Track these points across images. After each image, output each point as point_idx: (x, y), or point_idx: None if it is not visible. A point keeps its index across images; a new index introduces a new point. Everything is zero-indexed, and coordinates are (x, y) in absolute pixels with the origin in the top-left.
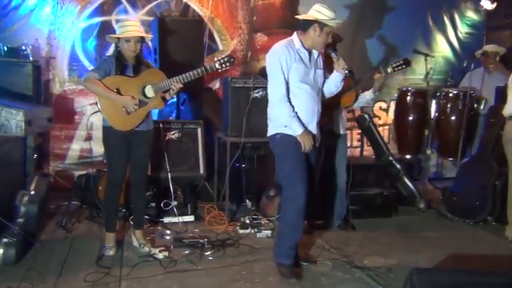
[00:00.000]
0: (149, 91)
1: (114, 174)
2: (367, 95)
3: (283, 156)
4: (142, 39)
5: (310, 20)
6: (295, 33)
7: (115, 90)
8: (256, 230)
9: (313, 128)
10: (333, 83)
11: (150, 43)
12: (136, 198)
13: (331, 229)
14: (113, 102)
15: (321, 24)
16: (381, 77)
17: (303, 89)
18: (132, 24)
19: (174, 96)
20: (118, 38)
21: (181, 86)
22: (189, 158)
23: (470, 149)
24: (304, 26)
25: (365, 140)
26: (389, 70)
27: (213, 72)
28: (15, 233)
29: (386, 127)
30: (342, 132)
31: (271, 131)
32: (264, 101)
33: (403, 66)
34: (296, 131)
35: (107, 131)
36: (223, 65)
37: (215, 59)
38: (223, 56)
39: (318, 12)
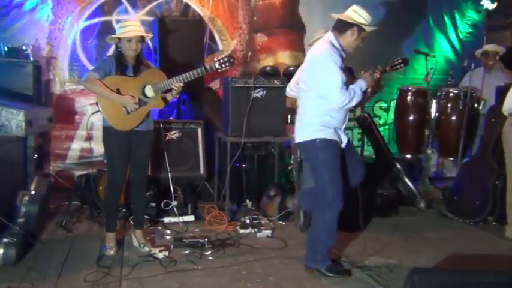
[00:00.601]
0: (149, 91)
1: (115, 174)
2: None
3: (326, 161)
4: (142, 39)
5: (350, 22)
6: (331, 34)
7: (115, 90)
8: (256, 229)
9: (342, 133)
10: None
11: (150, 43)
12: (136, 198)
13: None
14: (113, 102)
15: (360, 29)
16: (378, 76)
17: None
18: (132, 24)
19: (177, 96)
20: (119, 38)
21: (181, 85)
22: (190, 158)
23: (471, 149)
24: (342, 27)
25: (365, 139)
26: (387, 69)
27: (213, 72)
28: (15, 233)
29: (387, 127)
30: None
31: (308, 135)
32: (264, 101)
33: (402, 66)
34: (363, 85)
35: (107, 131)
36: (223, 65)
37: (215, 59)
38: (223, 56)
39: (358, 15)
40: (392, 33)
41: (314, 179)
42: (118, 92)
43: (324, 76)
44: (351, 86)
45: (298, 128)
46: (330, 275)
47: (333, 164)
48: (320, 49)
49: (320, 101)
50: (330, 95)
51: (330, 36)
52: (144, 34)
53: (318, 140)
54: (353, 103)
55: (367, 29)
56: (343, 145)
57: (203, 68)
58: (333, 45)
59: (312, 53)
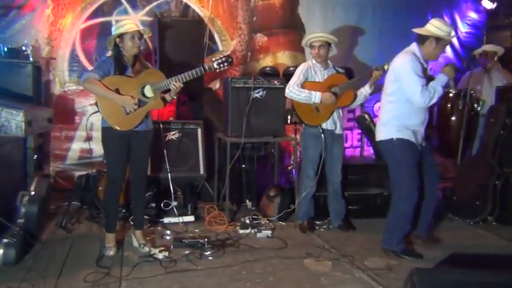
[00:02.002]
0: (148, 91)
1: (114, 174)
2: (364, 92)
3: (403, 159)
4: (141, 37)
5: (426, 34)
6: (415, 44)
7: (114, 90)
8: (256, 230)
9: (419, 135)
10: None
11: (150, 44)
12: (136, 198)
13: (331, 229)
14: (112, 102)
15: (437, 39)
16: (378, 74)
17: None
18: (130, 22)
19: (175, 96)
20: (120, 38)
21: (181, 85)
22: (189, 159)
23: (471, 149)
24: (421, 39)
25: (365, 140)
26: (386, 67)
27: (213, 72)
28: (15, 233)
29: None
30: (339, 132)
31: (386, 135)
32: (264, 101)
33: None
34: (444, 79)
35: (107, 131)
36: (221, 65)
37: (213, 58)
38: (221, 56)
39: (435, 27)
40: (392, 34)
41: (390, 174)
42: (117, 92)
43: (405, 82)
44: (431, 84)
45: (378, 128)
46: (404, 256)
47: (408, 160)
48: (402, 58)
49: (400, 104)
50: (412, 98)
51: (413, 46)
52: (141, 28)
53: (395, 139)
54: (435, 99)
55: (446, 37)
56: (418, 145)
57: (202, 68)
58: (414, 55)
59: (395, 60)
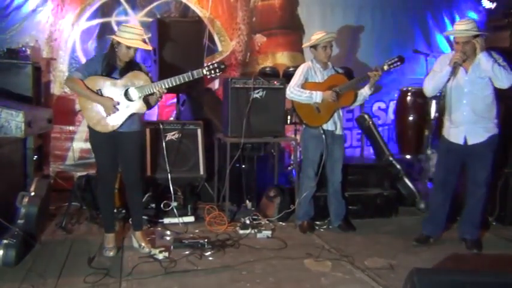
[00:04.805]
0: (132, 93)
1: (102, 172)
2: (363, 92)
3: (438, 154)
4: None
5: None
6: None
7: (97, 91)
8: (256, 230)
9: (461, 130)
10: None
11: (149, 44)
12: (131, 199)
13: (331, 229)
14: (93, 103)
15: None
16: (377, 75)
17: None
18: (138, 33)
19: (159, 99)
20: (118, 42)
21: (165, 91)
22: (189, 159)
23: None
24: None
25: (365, 140)
26: (385, 68)
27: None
28: (15, 234)
29: (386, 127)
30: (339, 132)
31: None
32: (263, 102)
33: (398, 64)
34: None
35: (92, 130)
36: (212, 71)
37: (205, 64)
38: (213, 62)
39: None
40: (391, 34)
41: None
42: (100, 93)
43: None
44: (436, 74)
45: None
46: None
47: (439, 158)
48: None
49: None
50: None
51: None
52: (145, 47)
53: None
54: (432, 82)
55: (451, 33)
56: (459, 142)
57: (190, 73)
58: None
59: None
